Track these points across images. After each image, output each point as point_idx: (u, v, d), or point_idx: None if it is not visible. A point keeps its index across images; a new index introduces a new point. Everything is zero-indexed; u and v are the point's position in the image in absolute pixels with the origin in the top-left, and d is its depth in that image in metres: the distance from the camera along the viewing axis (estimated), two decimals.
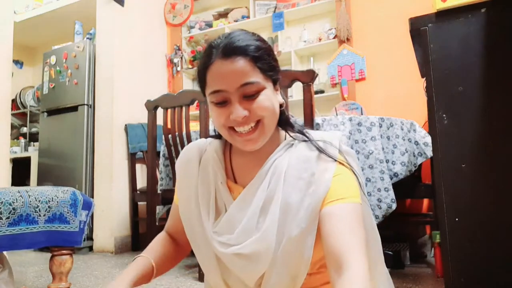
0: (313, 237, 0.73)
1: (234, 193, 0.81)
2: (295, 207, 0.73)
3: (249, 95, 0.73)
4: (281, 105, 0.79)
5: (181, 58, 3.78)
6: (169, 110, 2.23)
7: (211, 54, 0.74)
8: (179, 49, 3.79)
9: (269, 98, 0.75)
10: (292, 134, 0.82)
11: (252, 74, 0.73)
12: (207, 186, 0.82)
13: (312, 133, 0.82)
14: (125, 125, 3.26)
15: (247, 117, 0.73)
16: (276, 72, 0.78)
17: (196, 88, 3.87)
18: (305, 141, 0.80)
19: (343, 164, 0.76)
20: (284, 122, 0.83)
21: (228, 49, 0.73)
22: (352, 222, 0.69)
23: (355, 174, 0.77)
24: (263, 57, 0.74)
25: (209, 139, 0.90)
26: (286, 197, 0.74)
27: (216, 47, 0.74)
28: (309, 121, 1.69)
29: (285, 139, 0.83)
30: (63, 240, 1.37)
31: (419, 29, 1.00)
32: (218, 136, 0.88)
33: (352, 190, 0.74)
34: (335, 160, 0.75)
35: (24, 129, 4.45)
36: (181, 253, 0.98)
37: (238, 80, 0.72)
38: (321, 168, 0.75)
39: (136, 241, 3.18)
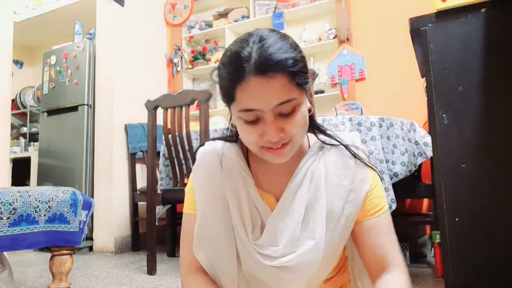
0: (344, 244, 0.77)
1: (265, 200, 0.77)
2: (337, 215, 0.74)
3: (285, 114, 0.67)
4: (309, 110, 0.73)
5: (181, 58, 3.78)
6: (169, 110, 2.23)
7: (242, 69, 0.64)
8: (179, 49, 3.79)
9: (304, 115, 0.69)
10: (320, 137, 0.80)
11: (290, 91, 0.65)
12: (236, 194, 0.76)
13: (336, 136, 0.81)
14: (125, 125, 3.26)
15: (281, 136, 0.67)
16: (309, 82, 0.70)
17: (196, 88, 3.88)
18: (334, 145, 0.78)
19: (372, 169, 0.78)
20: (311, 126, 0.78)
21: (264, 65, 0.63)
22: (389, 231, 0.77)
23: (379, 175, 0.80)
24: (301, 71, 0.67)
25: (220, 142, 0.82)
26: (329, 205, 0.74)
27: (247, 60, 0.64)
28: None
29: (308, 142, 0.80)
30: (63, 240, 1.37)
31: (419, 29, 1.00)
32: (232, 140, 0.82)
33: (384, 198, 0.78)
34: (369, 166, 0.77)
35: (24, 129, 4.45)
36: None
37: (274, 99, 0.64)
38: (359, 176, 0.76)
39: (136, 241, 3.18)
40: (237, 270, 0.75)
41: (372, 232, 0.75)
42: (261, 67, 0.63)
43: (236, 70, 0.65)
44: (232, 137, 0.82)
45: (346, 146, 0.78)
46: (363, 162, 0.77)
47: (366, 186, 0.76)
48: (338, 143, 0.78)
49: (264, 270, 0.72)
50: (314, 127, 0.80)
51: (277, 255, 0.72)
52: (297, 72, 0.65)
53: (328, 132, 0.80)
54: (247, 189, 0.76)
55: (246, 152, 0.80)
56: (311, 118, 0.76)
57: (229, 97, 0.68)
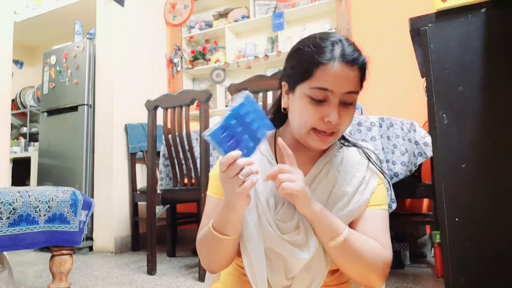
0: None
1: None
2: (347, 199, 0.80)
3: (347, 103, 0.77)
4: None
5: (181, 58, 3.79)
6: (169, 110, 2.23)
7: (328, 51, 0.75)
8: (179, 49, 3.79)
9: (353, 115, 0.80)
10: (341, 140, 0.90)
11: (357, 85, 0.77)
12: (263, 173, 0.81)
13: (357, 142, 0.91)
14: (125, 125, 3.26)
15: (336, 123, 0.76)
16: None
17: (196, 88, 3.89)
18: (355, 146, 0.88)
19: (382, 174, 0.88)
20: None
21: (353, 56, 0.75)
22: (385, 225, 0.84)
23: (387, 181, 0.90)
24: (365, 74, 0.80)
25: None
26: (342, 189, 0.81)
27: (333, 46, 0.75)
28: None
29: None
30: (63, 240, 1.37)
31: (419, 29, 1.00)
32: None
33: (386, 198, 0.86)
34: (378, 170, 0.86)
35: (24, 129, 4.45)
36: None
37: (347, 87, 0.75)
38: (369, 173, 0.84)
39: (136, 241, 3.18)
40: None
41: (369, 219, 0.82)
42: (348, 56, 0.75)
43: (323, 52, 0.75)
44: None
45: (363, 149, 0.87)
46: (375, 166, 0.86)
47: (374, 183, 0.84)
48: (357, 146, 0.89)
49: (280, 242, 0.77)
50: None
51: (290, 229, 0.78)
52: (365, 72, 0.79)
53: (351, 139, 0.91)
54: None
55: (273, 143, 0.88)
56: None
57: (306, 74, 0.76)
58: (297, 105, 0.78)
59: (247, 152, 0.71)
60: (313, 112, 0.76)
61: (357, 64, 0.76)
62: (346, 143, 0.89)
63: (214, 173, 0.89)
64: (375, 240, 0.79)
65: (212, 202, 0.87)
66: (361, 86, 0.80)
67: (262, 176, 0.82)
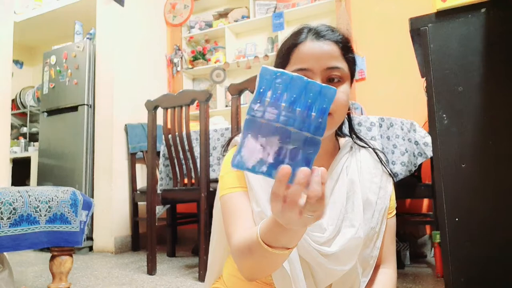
0: (381, 239, 0.81)
1: None
2: (372, 208, 0.79)
3: (333, 79, 0.72)
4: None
5: (181, 58, 3.79)
6: (169, 110, 2.23)
7: (302, 33, 0.74)
8: (179, 49, 3.79)
9: (347, 96, 0.74)
10: (347, 138, 0.86)
11: (340, 61, 0.73)
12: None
13: (365, 139, 0.89)
14: (125, 125, 3.26)
15: None
16: (354, 72, 0.78)
17: (196, 88, 3.88)
18: (363, 147, 0.85)
19: (391, 175, 0.86)
20: (347, 125, 0.87)
21: (322, 32, 0.73)
22: (394, 233, 0.85)
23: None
24: (351, 50, 0.76)
25: None
26: (365, 198, 0.79)
27: (307, 29, 0.75)
28: None
29: (338, 144, 0.86)
30: (65, 240, 1.37)
31: (419, 29, 1.00)
32: None
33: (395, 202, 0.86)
34: (390, 175, 0.85)
35: (24, 129, 4.45)
36: None
37: (325, 62, 0.71)
38: (385, 177, 0.83)
39: (136, 241, 3.18)
40: None
41: (386, 233, 0.83)
42: (318, 33, 0.73)
43: (296, 36, 0.75)
44: None
45: (374, 150, 0.85)
46: (386, 169, 0.85)
47: (390, 186, 0.84)
48: (367, 146, 0.85)
49: (311, 253, 0.74)
50: (350, 127, 0.87)
51: (323, 241, 0.75)
52: (347, 48, 0.75)
53: (360, 135, 0.88)
54: None
55: None
56: (349, 117, 0.84)
57: (285, 61, 0.75)
58: None
59: (303, 157, 0.46)
60: None
61: (331, 39, 0.73)
62: (358, 142, 0.85)
63: (226, 169, 0.80)
64: (386, 252, 0.82)
65: (235, 197, 0.75)
66: (349, 64, 0.75)
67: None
